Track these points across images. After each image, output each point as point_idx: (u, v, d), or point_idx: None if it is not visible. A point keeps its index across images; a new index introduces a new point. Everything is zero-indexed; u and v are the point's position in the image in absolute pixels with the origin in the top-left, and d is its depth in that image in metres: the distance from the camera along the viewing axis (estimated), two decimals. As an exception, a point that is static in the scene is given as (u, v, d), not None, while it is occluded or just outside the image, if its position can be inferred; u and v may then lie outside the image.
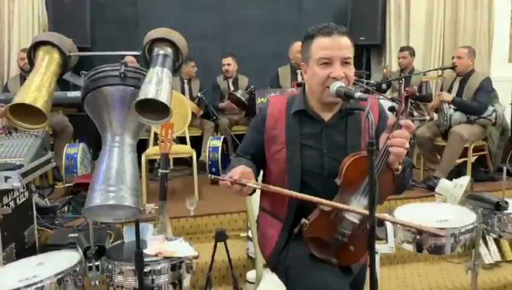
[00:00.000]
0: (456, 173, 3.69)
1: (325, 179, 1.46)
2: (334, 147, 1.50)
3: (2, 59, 4.57)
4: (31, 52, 1.23)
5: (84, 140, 3.99)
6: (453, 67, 3.87)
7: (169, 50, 1.25)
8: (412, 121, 3.79)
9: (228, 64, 4.82)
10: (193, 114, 4.16)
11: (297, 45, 4.50)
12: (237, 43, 5.25)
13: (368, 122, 1.11)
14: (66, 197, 3.35)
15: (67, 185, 3.53)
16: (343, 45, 1.45)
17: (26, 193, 2.54)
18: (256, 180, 1.51)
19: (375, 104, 1.58)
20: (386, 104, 3.53)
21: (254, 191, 1.45)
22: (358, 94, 1.26)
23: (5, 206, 2.24)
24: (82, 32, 4.67)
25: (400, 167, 1.37)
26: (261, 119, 1.58)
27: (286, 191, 1.39)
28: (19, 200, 2.44)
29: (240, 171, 1.34)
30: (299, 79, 4.44)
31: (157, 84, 1.13)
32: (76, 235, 2.51)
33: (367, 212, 1.22)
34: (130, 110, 1.14)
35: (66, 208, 3.15)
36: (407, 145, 1.31)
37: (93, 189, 1.20)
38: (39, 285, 1.53)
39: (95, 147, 4.07)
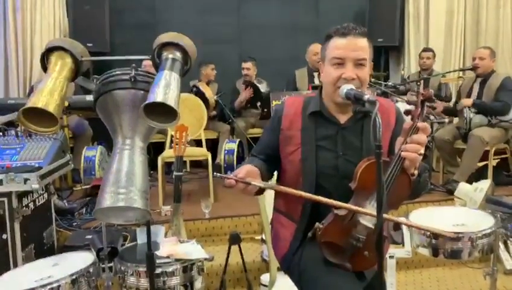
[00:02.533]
0: (477, 176, 3.60)
1: (340, 181, 1.45)
2: (349, 150, 1.49)
3: (25, 64, 4.71)
4: (44, 57, 1.26)
5: (103, 143, 4.06)
6: (474, 69, 3.78)
7: (178, 54, 1.26)
8: (431, 123, 3.70)
9: (248, 69, 4.84)
10: (207, 106, 4.14)
11: (314, 47, 4.49)
12: (255, 46, 5.27)
13: (375, 126, 1.10)
14: (84, 199, 3.42)
15: (86, 187, 3.60)
16: (357, 46, 1.44)
17: (46, 195, 2.61)
18: (269, 180, 1.50)
19: (391, 108, 1.56)
20: (404, 106, 3.47)
21: (263, 191, 1.44)
22: (367, 97, 1.25)
23: (24, 208, 2.30)
24: (102, 37, 4.78)
25: (416, 172, 1.35)
26: (276, 120, 1.58)
27: (295, 191, 1.37)
28: (38, 201, 2.50)
29: (246, 170, 1.35)
30: (316, 81, 4.43)
31: (165, 87, 1.15)
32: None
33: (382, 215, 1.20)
34: (139, 113, 1.15)
35: (84, 210, 3.21)
36: (422, 151, 1.29)
37: (104, 191, 1.22)
38: (54, 285, 1.57)
39: (114, 149, 4.13)
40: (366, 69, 1.46)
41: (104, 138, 4.09)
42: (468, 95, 3.80)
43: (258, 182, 1.34)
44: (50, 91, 1.16)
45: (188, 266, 1.79)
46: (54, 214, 2.72)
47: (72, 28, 4.77)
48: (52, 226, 2.68)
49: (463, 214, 2.11)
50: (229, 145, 3.95)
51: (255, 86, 4.58)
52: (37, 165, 2.39)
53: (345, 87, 1.36)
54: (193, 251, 1.87)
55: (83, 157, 3.69)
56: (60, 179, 3.61)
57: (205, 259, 1.86)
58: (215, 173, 1.37)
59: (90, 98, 3.58)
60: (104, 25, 4.83)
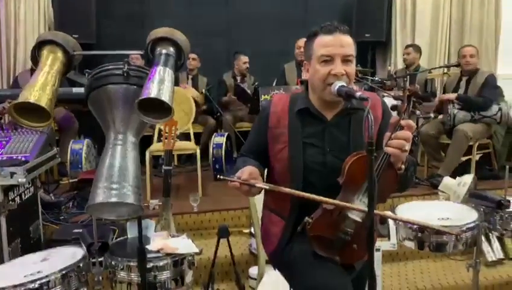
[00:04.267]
0: (460, 170, 3.68)
1: (328, 177, 1.47)
2: (336, 146, 1.51)
3: (8, 54, 4.61)
4: (35, 51, 1.24)
5: (89, 136, 4.02)
6: (459, 65, 3.86)
7: (171, 49, 1.26)
8: (417, 118, 3.75)
9: (247, 63, 4.83)
10: (196, 105, 4.14)
11: (302, 41, 4.49)
12: (243, 39, 5.25)
13: (367, 122, 1.11)
14: (71, 192, 3.39)
15: (72, 180, 3.56)
16: (344, 42, 1.46)
17: (32, 189, 2.57)
18: (263, 179, 1.52)
19: (378, 102, 1.58)
20: (390, 101, 3.52)
21: (261, 190, 1.46)
22: (359, 94, 1.27)
23: (10, 202, 2.27)
24: (88, 28, 4.69)
25: (403, 167, 1.38)
26: (264, 118, 1.59)
27: (296, 192, 1.40)
28: (25, 195, 2.47)
29: (248, 171, 1.36)
30: (304, 76, 4.43)
31: (160, 83, 1.15)
32: (81, 230, 2.54)
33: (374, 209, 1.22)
34: (133, 109, 1.15)
35: (71, 204, 3.18)
36: (407, 148, 1.31)
37: (96, 186, 1.22)
38: (44, 280, 1.56)
39: (100, 142, 4.08)
40: (353, 65, 1.49)
41: (90, 131, 4.05)
42: (455, 92, 3.87)
43: (261, 184, 1.37)
44: (42, 85, 1.15)
45: (178, 261, 1.79)
46: (40, 208, 2.69)
47: (58, 18, 4.67)
48: (38, 220, 2.65)
49: (448, 208, 2.16)
50: (217, 139, 3.95)
51: (245, 91, 4.58)
52: (23, 158, 2.36)
53: (337, 84, 1.38)
54: (183, 245, 1.88)
55: (69, 151, 3.64)
56: (46, 172, 3.56)
57: (196, 253, 1.87)
58: (219, 176, 1.38)
59: (76, 90, 3.53)
60: (90, 15, 4.74)
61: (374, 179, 1.11)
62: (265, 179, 1.64)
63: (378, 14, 5.29)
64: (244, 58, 4.85)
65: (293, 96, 1.60)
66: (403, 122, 1.30)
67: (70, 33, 1.36)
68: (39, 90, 1.13)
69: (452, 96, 3.73)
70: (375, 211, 1.42)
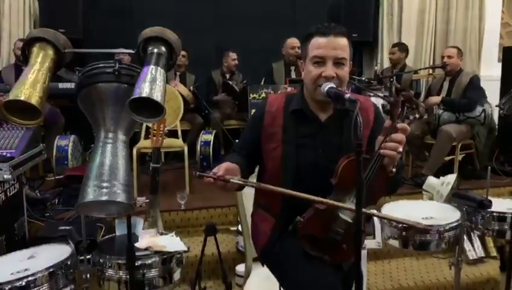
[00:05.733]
0: (443, 170, 3.74)
1: (320, 177, 1.49)
2: (329, 147, 1.53)
3: (-8, 48, 4.53)
4: (25, 48, 1.23)
5: (76, 132, 3.97)
6: (443, 67, 3.92)
7: (163, 49, 1.26)
8: (403, 120, 3.79)
9: (236, 59, 4.83)
10: (187, 102, 4.12)
11: (291, 41, 4.53)
12: (231, 37, 5.23)
13: (356, 125, 1.14)
14: (56, 189, 3.35)
15: (58, 177, 3.52)
16: (337, 45, 1.48)
17: (17, 185, 2.54)
18: (249, 177, 1.54)
19: (370, 107, 1.61)
20: (378, 101, 3.56)
21: (243, 187, 1.47)
22: (348, 96, 1.29)
23: (-5, 198, 2.24)
24: (75, 23, 4.60)
25: (394, 170, 1.40)
26: (259, 116, 1.60)
27: (274, 188, 1.42)
28: (10, 192, 2.44)
29: (224, 167, 1.38)
30: (293, 75, 4.47)
31: (152, 82, 1.15)
32: (67, 227, 2.52)
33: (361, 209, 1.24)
34: (124, 108, 1.15)
35: (57, 200, 3.15)
36: (401, 149, 1.34)
37: (86, 185, 1.22)
38: (30, 278, 1.55)
39: (86, 139, 4.06)
40: (345, 68, 1.50)
41: (76, 127, 4.00)
42: (438, 93, 3.94)
43: (237, 180, 1.37)
44: (32, 83, 1.14)
45: (167, 258, 1.80)
46: (25, 205, 2.66)
47: (43, 12, 4.58)
48: (23, 217, 2.62)
49: (431, 208, 2.21)
50: (205, 137, 3.95)
51: (233, 88, 4.57)
52: (8, 155, 2.33)
53: (326, 85, 1.40)
54: (172, 243, 1.88)
55: (55, 147, 3.60)
56: (31, 168, 3.52)
57: (183, 251, 1.88)
58: (195, 172, 1.39)
59: (62, 86, 3.50)
60: (77, 9, 4.65)
61: (361, 180, 1.13)
62: (256, 178, 1.66)
63: (365, 14, 5.34)
64: (233, 55, 4.85)
65: (289, 96, 1.63)
66: (399, 125, 1.33)
67: (56, 28, 1.35)
68: (30, 88, 1.12)
69: (437, 100, 3.79)
70: (367, 211, 1.45)
